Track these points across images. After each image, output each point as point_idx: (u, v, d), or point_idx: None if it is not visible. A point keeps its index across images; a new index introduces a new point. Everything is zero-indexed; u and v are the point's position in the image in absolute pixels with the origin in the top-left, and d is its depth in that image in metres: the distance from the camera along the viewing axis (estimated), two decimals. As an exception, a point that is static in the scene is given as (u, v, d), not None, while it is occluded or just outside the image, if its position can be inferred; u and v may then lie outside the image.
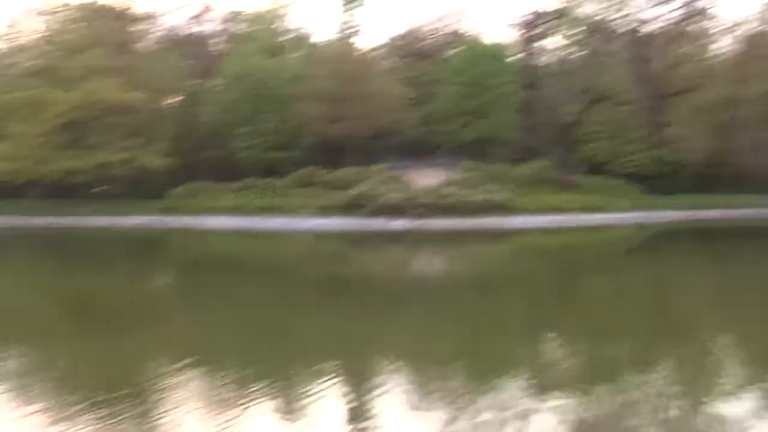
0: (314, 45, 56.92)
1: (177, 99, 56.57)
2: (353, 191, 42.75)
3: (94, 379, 8.75)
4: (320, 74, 49.16)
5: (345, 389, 8.38)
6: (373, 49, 56.31)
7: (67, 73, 48.31)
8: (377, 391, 8.15)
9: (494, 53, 50.81)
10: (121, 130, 49.80)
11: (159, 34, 56.28)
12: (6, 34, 55.19)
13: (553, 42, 55.31)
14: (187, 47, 57.16)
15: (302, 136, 50.12)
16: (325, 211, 42.42)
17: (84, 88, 47.24)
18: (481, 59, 49.22)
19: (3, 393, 7.98)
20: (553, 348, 11.42)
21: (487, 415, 7.30)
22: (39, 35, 52.53)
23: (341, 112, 47.58)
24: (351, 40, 52.89)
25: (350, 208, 41.97)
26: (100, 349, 10.38)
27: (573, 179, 45.74)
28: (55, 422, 6.90)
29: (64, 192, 52.36)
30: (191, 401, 7.61)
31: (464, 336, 11.71)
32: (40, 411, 7.30)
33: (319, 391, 8.03)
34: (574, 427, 7.03)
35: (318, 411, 7.47)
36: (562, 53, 55.03)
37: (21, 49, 53.91)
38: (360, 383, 8.64)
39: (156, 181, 50.42)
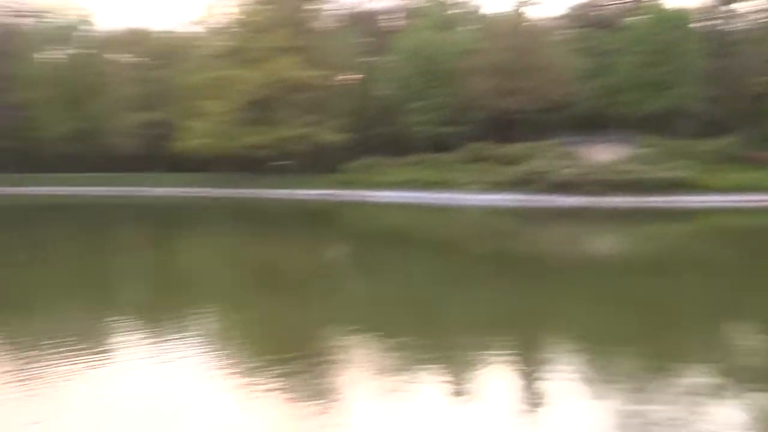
0: (486, 18, 56.09)
1: (352, 76, 58.29)
2: (524, 167, 41.94)
3: (275, 340, 9.36)
4: (492, 47, 48.45)
5: (511, 365, 8.34)
6: (547, 20, 54.49)
7: (253, 54, 51.34)
8: (545, 370, 8.04)
9: (678, 19, 47.29)
10: (300, 107, 52.34)
11: (335, 12, 58.17)
12: (204, 19, 59.50)
13: (745, 5, 50.43)
14: (362, 25, 58.63)
15: (472, 110, 49.80)
16: (495, 186, 42.01)
17: (268, 68, 50.05)
18: (664, 26, 46.06)
19: (196, 345, 8.76)
20: (731, 337, 10.61)
21: (661, 405, 6.95)
22: (231, 18, 56.08)
23: (513, 85, 46.69)
24: (524, 11, 51.52)
25: (520, 183, 41.25)
26: (289, 312, 11.07)
27: (765, 155, 41.75)
28: (239, 375, 7.48)
29: (248, 166, 56.11)
30: (360, 365, 7.93)
31: (635, 319, 11.18)
32: (228, 365, 7.94)
33: (485, 365, 8.06)
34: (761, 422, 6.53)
35: (483, 384, 7.50)
36: (755, 17, 50.03)
37: (214, 32, 57.95)
38: (526, 360, 8.55)
39: (331, 156, 52.54)
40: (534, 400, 7.14)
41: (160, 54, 65.06)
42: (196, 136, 52.62)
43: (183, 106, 57.46)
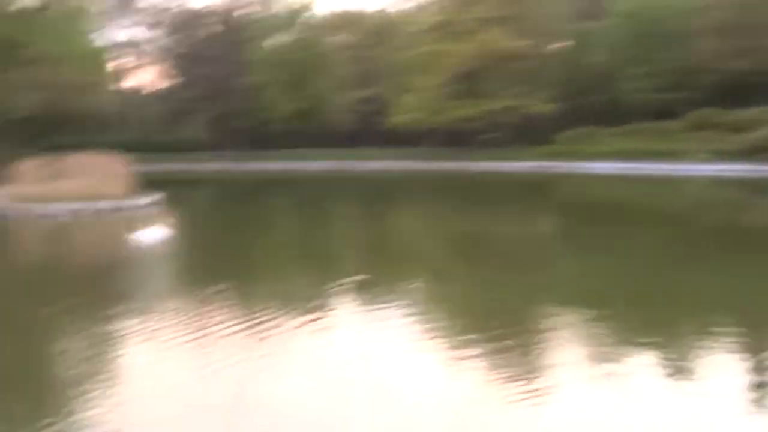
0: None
1: (562, 44, 56.15)
2: (757, 133, 37.81)
3: (481, 313, 9.29)
4: (722, 4, 44.01)
5: (741, 352, 7.51)
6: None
7: (462, 26, 51.33)
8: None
9: None
10: (509, 77, 51.53)
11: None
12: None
13: None
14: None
15: (698, 74, 45.76)
16: (723, 155, 38.42)
17: (477, 39, 49.78)
18: None
19: (403, 317, 8.95)
20: None
21: None
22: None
23: (746, 45, 42.10)
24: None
25: (752, 152, 37.30)
26: (487, 287, 10.97)
27: None
28: (444, 348, 7.50)
29: (457, 139, 56.50)
30: (570, 345, 7.56)
31: None
32: (433, 337, 8.01)
33: (711, 351, 7.35)
34: None
35: (707, 372, 6.83)
36: None
37: (424, 8, 58.79)
38: (759, 347, 7.65)
39: (540, 127, 51.23)
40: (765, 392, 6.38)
41: (373, 33, 67.49)
42: (407, 110, 53.95)
43: (395, 82, 59.11)
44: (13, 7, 33.98)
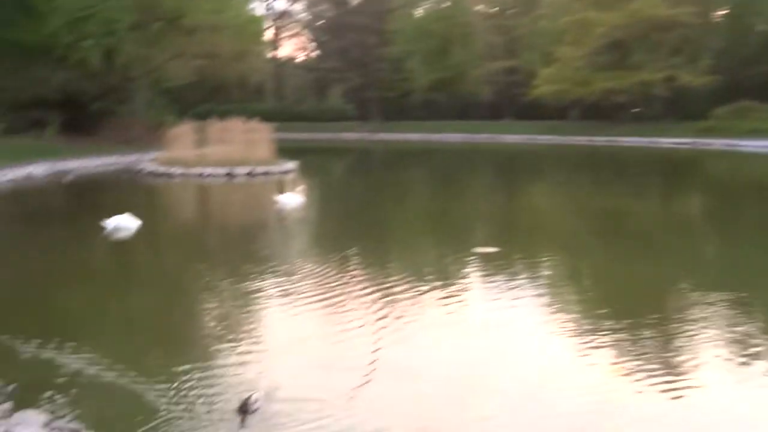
0: None
1: (724, 11, 52.08)
2: None
3: (616, 296, 8.90)
4: None
5: None
6: None
7: (613, -7, 48.89)
8: None
9: None
10: (664, 47, 48.60)
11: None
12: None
13: None
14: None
15: None
16: None
17: (629, 7, 47.23)
18: None
19: (535, 293, 8.76)
20: None
21: None
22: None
23: None
24: None
25: None
26: (624, 268, 10.49)
27: None
28: (573, 329, 7.26)
29: (601, 113, 54.23)
30: (716, 339, 7.02)
31: None
32: (563, 316, 7.78)
33: None
34: None
35: None
36: None
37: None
38: None
39: (694, 101, 48.08)
40: None
41: (519, 2, 65.81)
42: (550, 82, 52.33)
43: (538, 53, 57.44)
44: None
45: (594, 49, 50.11)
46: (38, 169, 24.44)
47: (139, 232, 12.74)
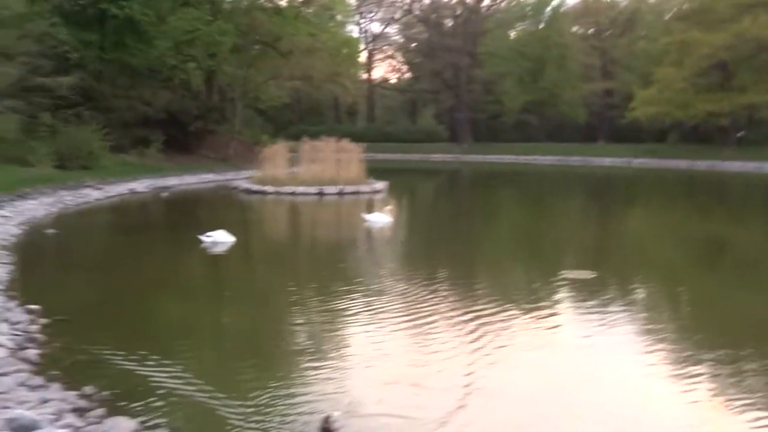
0: None
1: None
2: None
3: (714, 327, 8.34)
4: None
5: None
6: None
7: (717, 14, 47.07)
8: None
9: None
10: (770, 69, 46.32)
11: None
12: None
13: None
14: None
15: None
16: None
17: (735, 27, 45.31)
18: None
19: (630, 319, 8.34)
20: None
21: None
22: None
23: None
24: None
25: None
26: (726, 299, 9.86)
27: None
28: (671, 359, 6.82)
29: (702, 136, 52.06)
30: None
31: None
32: (661, 346, 7.33)
33: None
34: None
35: None
36: None
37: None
38: None
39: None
40: None
41: (618, 23, 64.34)
42: (647, 104, 50.71)
43: (637, 74, 55.87)
44: (272, 3, 37.19)
45: (696, 71, 48.25)
46: (141, 185, 25.58)
47: (234, 248, 13.04)
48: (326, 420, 4.84)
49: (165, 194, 24.48)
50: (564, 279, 10.51)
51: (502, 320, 8.01)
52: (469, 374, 6.16)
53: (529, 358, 6.74)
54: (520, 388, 5.94)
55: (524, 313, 8.35)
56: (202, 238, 12.98)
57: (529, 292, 10.02)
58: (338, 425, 4.85)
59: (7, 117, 22.02)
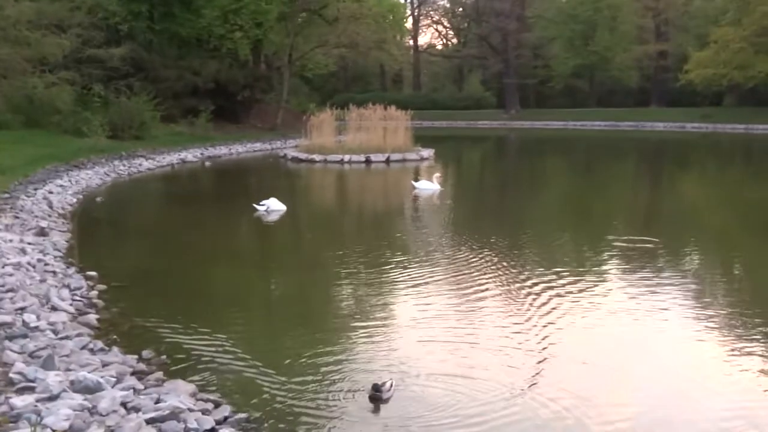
0: None
1: None
2: None
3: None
4: None
5: None
6: None
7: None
8: None
9: None
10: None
11: None
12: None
13: None
14: None
15: None
16: None
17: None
18: None
19: (686, 289, 8.17)
20: None
21: None
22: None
23: None
24: None
25: None
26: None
27: None
28: (729, 332, 6.64)
29: (761, 98, 50.19)
30: None
31: None
32: (712, 318, 7.15)
33: None
34: None
35: None
36: None
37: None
38: None
39: None
40: None
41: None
42: (703, 66, 48.96)
43: (691, 35, 54.00)
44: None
45: (756, 30, 46.27)
46: (191, 154, 25.96)
47: (286, 216, 13.19)
48: (376, 387, 4.87)
49: (208, 163, 24.88)
50: (620, 246, 10.34)
51: (555, 285, 7.92)
52: (525, 340, 6.17)
53: (582, 323, 6.71)
54: (572, 353, 5.89)
55: (577, 280, 8.23)
56: (256, 206, 13.14)
57: (582, 258, 9.89)
58: (388, 394, 4.88)
59: (62, 88, 22.49)
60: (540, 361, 5.67)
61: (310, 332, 6.62)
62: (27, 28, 21.47)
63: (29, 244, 9.17)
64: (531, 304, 7.22)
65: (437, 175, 17.27)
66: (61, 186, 15.62)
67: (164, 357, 5.64)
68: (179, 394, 4.65)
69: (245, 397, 4.98)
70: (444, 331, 6.45)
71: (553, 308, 7.10)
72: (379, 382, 4.92)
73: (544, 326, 6.53)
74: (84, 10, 24.51)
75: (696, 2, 57.85)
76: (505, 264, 9.17)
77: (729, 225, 13.64)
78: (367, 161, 24.19)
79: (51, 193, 14.36)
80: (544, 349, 5.96)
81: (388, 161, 24.35)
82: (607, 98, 63.08)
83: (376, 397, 4.84)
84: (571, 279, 8.30)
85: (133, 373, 5.09)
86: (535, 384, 5.22)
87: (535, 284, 8.01)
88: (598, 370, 5.62)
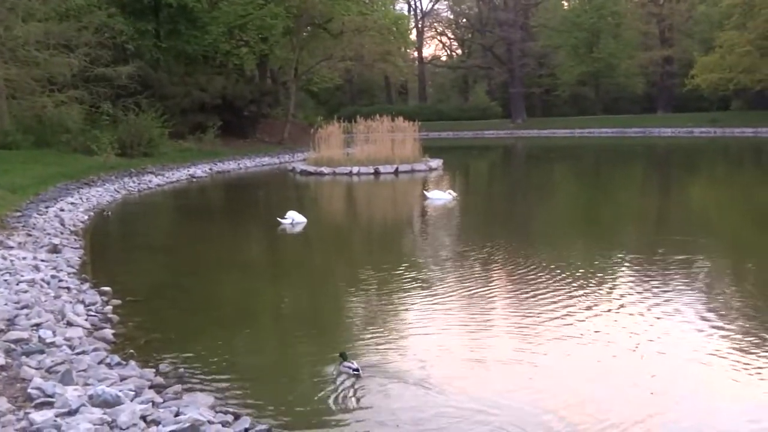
0: None
1: None
2: None
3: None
4: None
5: None
6: None
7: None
8: None
9: None
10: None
11: None
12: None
13: None
14: None
15: None
16: None
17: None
18: None
19: (700, 295, 8.08)
20: None
21: None
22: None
23: None
24: None
25: None
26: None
27: None
28: (743, 340, 6.54)
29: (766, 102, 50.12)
30: None
31: None
32: (732, 326, 7.05)
33: None
34: None
35: None
36: None
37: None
38: None
39: None
40: None
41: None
42: (709, 70, 48.89)
43: (696, 40, 53.93)
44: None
45: (762, 33, 46.23)
46: (200, 170, 26.02)
47: (307, 228, 13.20)
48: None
49: (199, 179, 24.91)
50: (631, 254, 10.25)
51: (566, 294, 7.86)
52: (525, 346, 6.08)
53: (593, 325, 6.67)
54: (586, 361, 5.82)
55: (590, 288, 8.18)
56: (280, 219, 13.17)
57: (595, 267, 9.79)
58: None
59: (71, 107, 22.60)
60: (553, 374, 5.59)
61: (329, 344, 6.56)
62: (35, 48, 21.64)
63: (42, 261, 9.17)
64: (536, 312, 7.15)
65: (448, 184, 17.26)
66: (72, 203, 15.65)
67: (182, 370, 5.60)
68: (199, 406, 4.60)
69: (265, 408, 4.93)
70: (462, 345, 6.36)
71: (569, 316, 7.05)
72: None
73: (560, 335, 6.46)
74: (91, 29, 24.67)
75: (700, 7, 57.81)
76: (514, 272, 9.12)
77: (744, 229, 13.52)
78: (376, 173, 24.18)
79: (62, 210, 14.39)
80: (555, 359, 5.88)
81: (396, 172, 24.34)
82: (613, 105, 63.03)
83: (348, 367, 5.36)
84: (587, 286, 8.25)
85: (151, 387, 5.05)
86: (546, 396, 5.15)
87: (543, 293, 7.94)
88: (620, 379, 5.54)
